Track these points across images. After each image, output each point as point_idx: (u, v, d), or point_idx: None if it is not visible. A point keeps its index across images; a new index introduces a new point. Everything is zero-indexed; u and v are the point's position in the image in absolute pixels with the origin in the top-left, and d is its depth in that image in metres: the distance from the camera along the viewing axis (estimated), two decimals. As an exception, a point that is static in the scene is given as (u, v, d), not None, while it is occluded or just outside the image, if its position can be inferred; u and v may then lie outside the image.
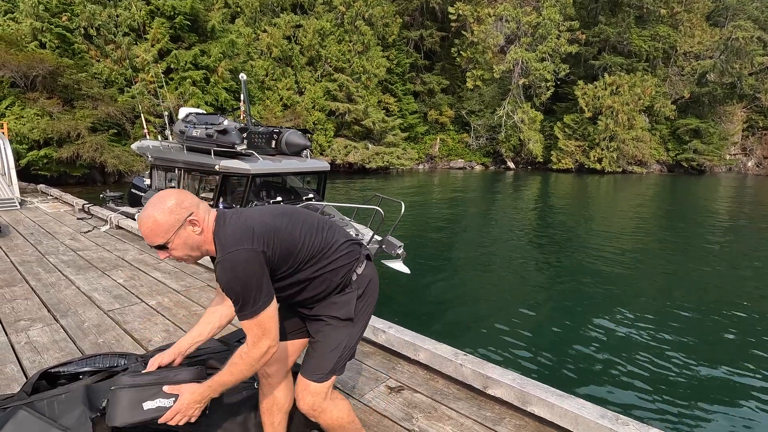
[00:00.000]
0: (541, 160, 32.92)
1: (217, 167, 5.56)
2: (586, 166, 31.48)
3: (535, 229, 11.95)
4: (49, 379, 1.64)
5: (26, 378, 2.30)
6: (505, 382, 2.09)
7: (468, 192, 20.30)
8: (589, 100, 30.93)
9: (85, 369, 1.64)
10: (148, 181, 7.31)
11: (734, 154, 36.20)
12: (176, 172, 6.44)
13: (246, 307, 1.29)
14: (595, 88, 30.99)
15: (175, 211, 1.27)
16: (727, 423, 3.63)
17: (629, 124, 30.65)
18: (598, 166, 31.04)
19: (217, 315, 1.59)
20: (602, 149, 30.91)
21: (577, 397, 1.98)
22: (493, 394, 2.14)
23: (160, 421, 1.35)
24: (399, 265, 4.83)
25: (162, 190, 1.32)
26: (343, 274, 1.48)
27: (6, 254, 4.81)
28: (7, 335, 2.83)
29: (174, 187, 6.51)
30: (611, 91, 30.54)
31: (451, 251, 9.25)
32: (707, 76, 32.69)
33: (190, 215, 1.29)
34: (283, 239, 1.35)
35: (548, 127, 33.34)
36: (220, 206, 5.73)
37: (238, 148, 5.65)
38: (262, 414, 1.59)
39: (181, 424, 1.37)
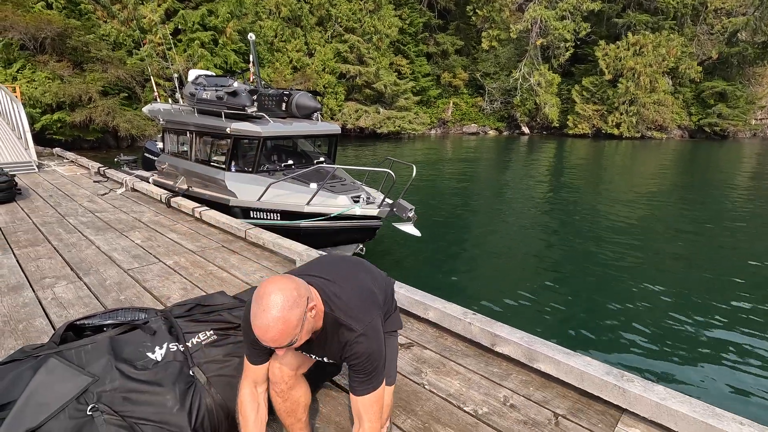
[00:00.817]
0: (557, 125, 32.05)
1: (228, 130, 5.53)
2: (603, 132, 30.61)
3: (547, 194, 11.81)
4: (75, 330, 1.73)
5: (54, 330, 2.42)
6: (513, 340, 2.13)
7: (480, 157, 20.01)
8: (610, 61, 29.62)
9: (108, 322, 1.72)
10: (160, 145, 7.34)
11: (760, 119, 34.70)
12: (188, 135, 6.44)
13: (377, 379, 1.27)
14: (617, 48, 29.58)
15: (298, 302, 1.14)
16: (731, 381, 3.68)
17: (651, 87, 29.43)
18: (615, 132, 30.14)
19: (263, 404, 1.41)
20: (621, 114, 29.89)
21: (583, 355, 2.02)
22: (500, 351, 2.19)
23: None
24: (410, 228, 4.85)
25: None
26: (394, 305, 1.59)
27: (28, 215, 4.95)
28: (34, 291, 2.96)
29: (186, 152, 6.55)
30: (634, 52, 29.14)
31: (461, 215, 9.23)
32: (738, 34, 30.85)
33: (308, 300, 1.18)
34: (377, 298, 1.39)
35: (565, 91, 32.22)
36: (232, 169, 5.75)
37: (249, 111, 5.60)
38: (284, 417, 1.47)
39: None
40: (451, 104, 33.28)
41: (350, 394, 1.31)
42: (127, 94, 18.10)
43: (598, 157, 21.12)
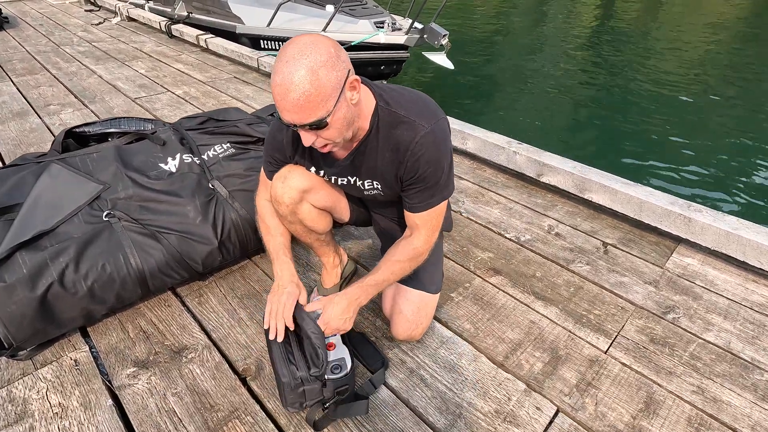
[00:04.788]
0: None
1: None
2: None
3: (595, 25, 10.33)
4: (77, 140, 1.54)
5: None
6: (564, 169, 1.91)
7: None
8: None
9: (112, 130, 1.52)
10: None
11: None
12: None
13: (442, 190, 1.01)
14: None
15: (336, 65, 0.81)
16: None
17: None
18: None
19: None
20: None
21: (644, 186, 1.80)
22: (547, 181, 1.99)
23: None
24: (442, 59, 4.27)
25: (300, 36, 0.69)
26: None
27: (20, 44, 4.52)
28: (40, 118, 2.77)
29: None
30: None
31: (496, 46, 8.22)
32: None
33: (349, 72, 0.84)
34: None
35: None
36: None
37: None
38: (300, 237, 1.24)
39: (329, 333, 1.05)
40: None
41: (404, 210, 1.08)
42: None
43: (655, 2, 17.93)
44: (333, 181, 1.12)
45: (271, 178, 1.14)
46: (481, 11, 11.92)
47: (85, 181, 1.31)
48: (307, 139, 0.87)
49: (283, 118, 0.84)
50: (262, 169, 1.20)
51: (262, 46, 4.78)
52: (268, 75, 3.62)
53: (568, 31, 9.40)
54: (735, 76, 6.53)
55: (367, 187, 1.08)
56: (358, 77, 0.88)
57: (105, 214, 1.25)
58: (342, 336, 1.11)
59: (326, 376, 1.00)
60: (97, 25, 5.43)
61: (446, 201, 1.05)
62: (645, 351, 1.26)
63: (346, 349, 1.07)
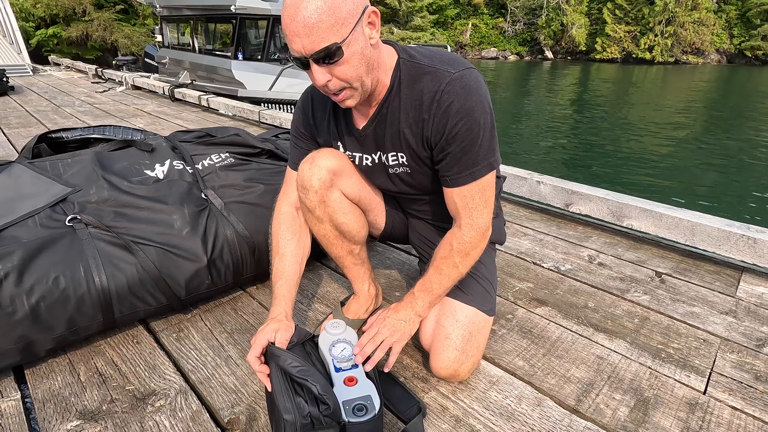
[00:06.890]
0: (584, 48, 29.76)
1: (232, 8, 4.84)
2: (633, 56, 28.39)
3: (567, 115, 10.98)
4: (54, 148, 1.34)
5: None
6: (597, 195, 1.73)
7: (499, 81, 18.71)
8: (649, -27, 26.75)
9: (95, 136, 1.33)
10: (159, 38, 6.65)
11: (808, 43, 31.73)
12: (188, 21, 5.74)
13: (486, 155, 0.81)
14: (660, -43, 26.54)
15: None
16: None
17: (692, 4, 26.73)
18: (647, 56, 27.93)
19: (305, 230, 1.00)
20: (656, 35, 27.48)
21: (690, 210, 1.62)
22: (578, 211, 1.80)
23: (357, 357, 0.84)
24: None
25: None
26: None
27: (21, 105, 4.53)
28: (24, 161, 2.60)
29: (188, 43, 5.89)
30: (678, -38, 26.17)
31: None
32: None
33: (367, 7, 0.74)
34: None
35: (596, 10, 29.47)
36: (239, 58, 5.15)
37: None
38: (328, 247, 1.03)
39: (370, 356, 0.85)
40: (470, 26, 30.87)
41: (443, 188, 0.88)
42: (123, 7, 16.93)
43: (626, 83, 19.62)
44: (358, 162, 0.96)
45: (296, 169, 0.96)
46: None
47: (50, 182, 1.08)
48: (320, 76, 0.73)
49: (292, 49, 0.72)
50: (287, 167, 1.04)
51: (263, 109, 4.87)
52: (269, 127, 3.57)
53: (542, 128, 9.92)
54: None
55: (392, 163, 0.92)
56: (377, 11, 0.76)
57: (69, 218, 1.01)
58: (366, 372, 0.83)
59: (347, 419, 0.70)
60: (102, 92, 5.55)
61: (493, 173, 0.85)
62: (755, 391, 0.98)
63: (373, 385, 0.78)
